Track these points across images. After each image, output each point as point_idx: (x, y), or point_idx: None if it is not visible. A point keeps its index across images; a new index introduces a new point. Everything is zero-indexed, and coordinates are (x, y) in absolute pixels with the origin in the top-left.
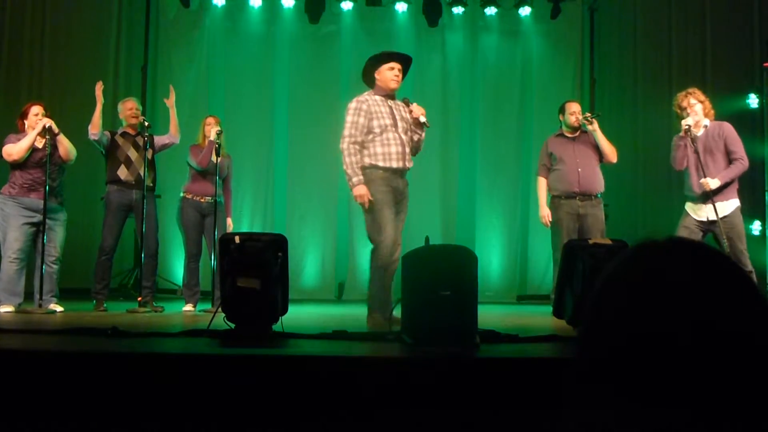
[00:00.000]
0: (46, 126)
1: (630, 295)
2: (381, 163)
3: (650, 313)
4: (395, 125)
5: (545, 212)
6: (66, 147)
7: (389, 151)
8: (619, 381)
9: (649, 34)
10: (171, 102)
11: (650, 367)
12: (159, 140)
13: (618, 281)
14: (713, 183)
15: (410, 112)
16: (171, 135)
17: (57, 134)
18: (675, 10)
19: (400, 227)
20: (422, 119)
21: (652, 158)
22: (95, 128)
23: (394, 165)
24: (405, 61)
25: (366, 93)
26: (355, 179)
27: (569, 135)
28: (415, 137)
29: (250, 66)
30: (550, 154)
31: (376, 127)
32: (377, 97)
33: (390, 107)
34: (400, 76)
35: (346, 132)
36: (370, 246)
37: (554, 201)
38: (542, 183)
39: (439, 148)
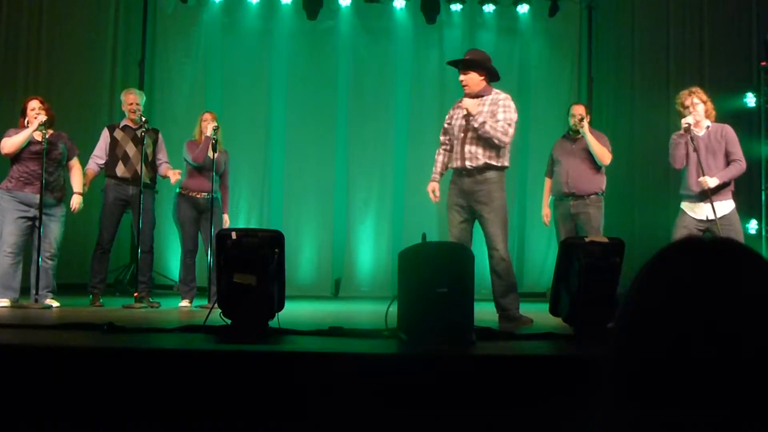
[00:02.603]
0: (42, 122)
1: (674, 294)
2: (450, 165)
3: (694, 313)
4: (465, 126)
5: (545, 212)
6: (79, 179)
7: (452, 151)
8: (653, 382)
9: (647, 32)
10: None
11: (692, 367)
12: (160, 150)
13: (661, 280)
14: (712, 182)
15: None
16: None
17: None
18: (673, 9)
19: (488, 224)
20: (465, 113)
21: (649, 156)
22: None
23: (455, 165)
24: (462, 64)
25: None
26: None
27: (573, 137)
28: (482, 132)
29: (248, 62)
30: (552, 156)
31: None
32: (464, 100)
33: (461, 108)
34: (465, 79)
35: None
36: (368, 242)
37: (554, 202)
38: (547, 183)
39: (436, 145)
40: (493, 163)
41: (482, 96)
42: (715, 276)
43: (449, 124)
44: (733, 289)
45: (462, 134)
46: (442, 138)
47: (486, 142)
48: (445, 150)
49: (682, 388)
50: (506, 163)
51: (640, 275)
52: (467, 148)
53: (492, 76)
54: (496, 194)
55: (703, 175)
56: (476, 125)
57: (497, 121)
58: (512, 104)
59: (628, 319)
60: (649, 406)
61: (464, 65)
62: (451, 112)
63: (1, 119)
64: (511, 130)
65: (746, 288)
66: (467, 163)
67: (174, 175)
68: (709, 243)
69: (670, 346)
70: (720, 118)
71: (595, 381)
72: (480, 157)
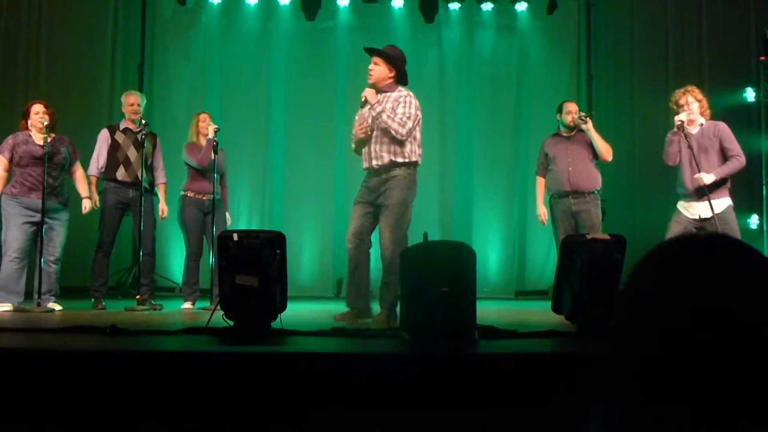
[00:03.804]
0: (45, 124)
1: (668, 290)
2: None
3: (688, 308)
4: (372, 126)
5: (541, 211)
6: (83, 183)
7: (362, 152)
8: (652, 378)
9: (646, 28)
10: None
11: (688, 364)
12: (157, 156)
13: (654, 277)
14: (707, 178)
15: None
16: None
17: (74, 161)
18: (671, 4)
19: (382, 221)
20: (362, 99)
21: (649, 153)
22: None
23: (364, 165)
24: (380, 55)
25: None
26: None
27: (565, 134)
28: (379, 122)
29: (247, 63)
30: (546, 154)
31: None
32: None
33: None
34: (375, 69)
35: None
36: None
37: (551, 200)
38: (540, 182)
39: (436, 144)
40: (399, 159)
41: (386, 92)
42: (709, 271)
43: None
44: (728, 284)
45: (371, 133)
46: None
47: (388, 139)
48: None
49: (681, 385)
50: (413, 159)
51: (634, 273)
52: (373, 147)
53: (401, 78)
54: (396, 192)
55: (698, 172)
56: (374, 114)
57: (396, 114)
58: (414, 101)
59: (623, 316)
60: (650, 403)
61: (378, 54)
62: (358, 116)
63: (2, 123)
64: (409, 123)
65: (742, 282)
66: (374, 163)
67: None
68: (703, 238)
69: (666, 342)
70: (719, 113)
71: (597, 379)
72: (384, 155)
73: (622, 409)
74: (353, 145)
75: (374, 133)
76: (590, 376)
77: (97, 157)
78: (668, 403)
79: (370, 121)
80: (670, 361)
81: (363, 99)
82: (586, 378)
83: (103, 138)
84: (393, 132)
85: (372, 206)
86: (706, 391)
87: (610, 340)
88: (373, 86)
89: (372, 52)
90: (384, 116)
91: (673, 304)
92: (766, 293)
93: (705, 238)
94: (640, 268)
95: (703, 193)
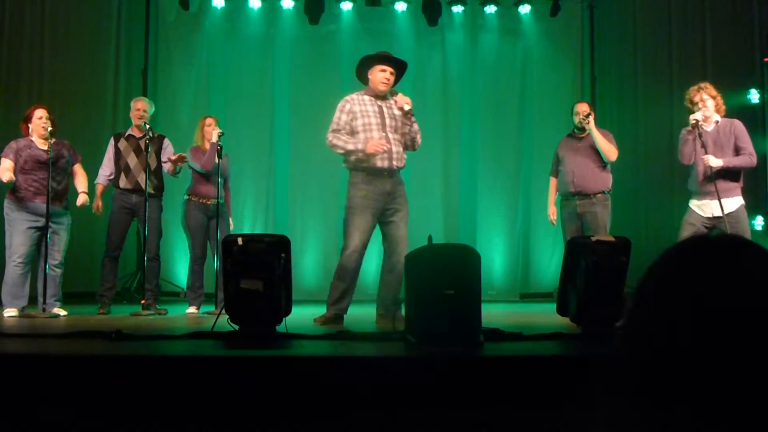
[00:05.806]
0: (49, 130)
1: (682, 293)
2: (364, 164)
3: (705, 312)
4: (382, 124)
5: (551, 210)
6: (83, 181)
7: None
8: (656, 381)
9: (649, 30)
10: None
11: (692, 366)
12: (166, 155)
13: (667, 278)
14: (714, 161)
15: (395, 102)
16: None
17: (77, 162)
18: (674, 6)
19: (401, 227)
20: (406, 108)
21: (653, 155)
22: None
23: (378, 165)
24: (399, 66)
25: (355, 93)
26: (357, 146)
27: (578, 136)
28: (406, 129)
29: (250, 67)
30: (557, 155)
31: (360, 126)
32: (366, 97)
33: (379, 107)
34: (391, 79)
35: (330, 128)
36: (373, 245)
37: (560, 201)
38: (552, 183)
39: (440, 147)
40: (403, 165)
41: (387, 98)
42: (722, 273)
43: (351, 121)
44: (742, 286)
45: (385, 134)
46: (341, 130)
47: (403, 144)
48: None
49: (693, 389)
50: None
51: (648, 275)
52: (395, 149)
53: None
54: (405, 198)
55: (711, 172)
56: (409, 123)
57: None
58: None
59: (638, 321)
60: (660, 407)
61: (402, 68)
62: (356, 108)
63: (4, 129)
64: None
65: (756, 284)
66: (395, 164)
67: (176, 160)
68: (714, 240)
69: (670, 345)
70: (725, 114)
71: (602, 381)
72: (404, 158)
73: (627, 412)
74: (361, 155)
75: (392, 136)
76: (595, 379)
77: (104, 167)
78: (672, 406)
79: (395, 126)
80: (674, 364)
81: (407, 108)
82: (591, 380)
83: (110, 147)
84: (415, 143)
85: (378, 214)
86: (710, 394)
87: (615, 343)
88: (386, 93)
89: (397, 63)
90: (416, 126)
91: (676, 306)
92: None
93: (716, 240)
94: (654, 271)
95: (714, 192)
